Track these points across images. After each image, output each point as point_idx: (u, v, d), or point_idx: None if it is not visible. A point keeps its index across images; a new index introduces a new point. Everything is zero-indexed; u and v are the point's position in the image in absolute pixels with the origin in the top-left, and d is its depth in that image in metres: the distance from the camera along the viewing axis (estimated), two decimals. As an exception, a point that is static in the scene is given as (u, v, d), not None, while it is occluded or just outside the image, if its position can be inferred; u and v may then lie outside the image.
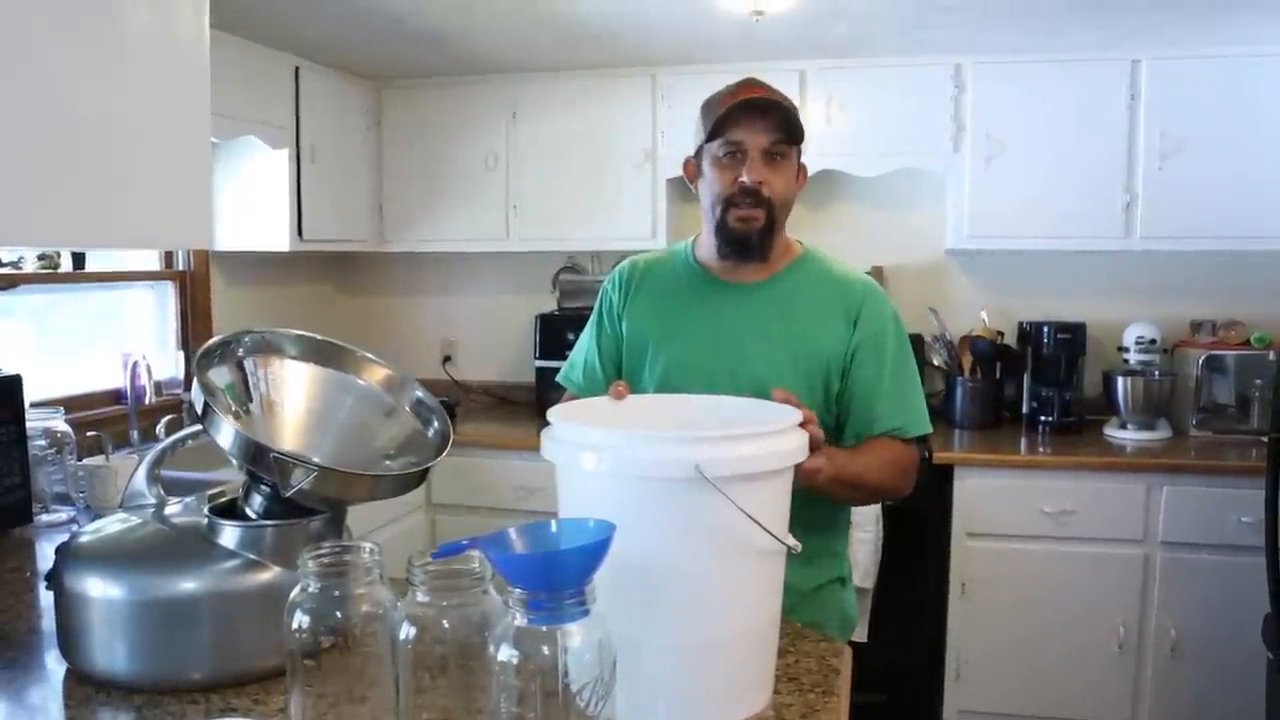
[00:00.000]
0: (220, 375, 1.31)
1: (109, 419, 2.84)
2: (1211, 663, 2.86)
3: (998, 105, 3.20)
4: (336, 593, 1.05)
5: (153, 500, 1.44)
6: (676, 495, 1.11)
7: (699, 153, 1.62)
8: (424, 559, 1.00)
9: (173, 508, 1.43)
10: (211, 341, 1.30)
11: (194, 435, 1.39)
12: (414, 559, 1.01)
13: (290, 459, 1.19)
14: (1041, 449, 3.12)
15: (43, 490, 2.24)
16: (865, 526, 2.91)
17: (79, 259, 2.81)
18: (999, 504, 2.97)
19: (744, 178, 1.55)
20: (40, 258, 2.66)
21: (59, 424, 2.25)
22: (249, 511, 1.34)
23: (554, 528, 0.99)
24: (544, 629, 0.91)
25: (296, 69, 3.25)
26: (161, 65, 1.50)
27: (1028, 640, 2.97)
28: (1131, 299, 3.44)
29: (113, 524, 1.39)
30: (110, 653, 1.27)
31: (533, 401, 3.73)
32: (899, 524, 2.95)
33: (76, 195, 1.36)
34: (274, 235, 3.25)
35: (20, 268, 2.62)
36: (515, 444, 3.31)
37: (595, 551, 0.92)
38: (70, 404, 2.78)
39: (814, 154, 3.30)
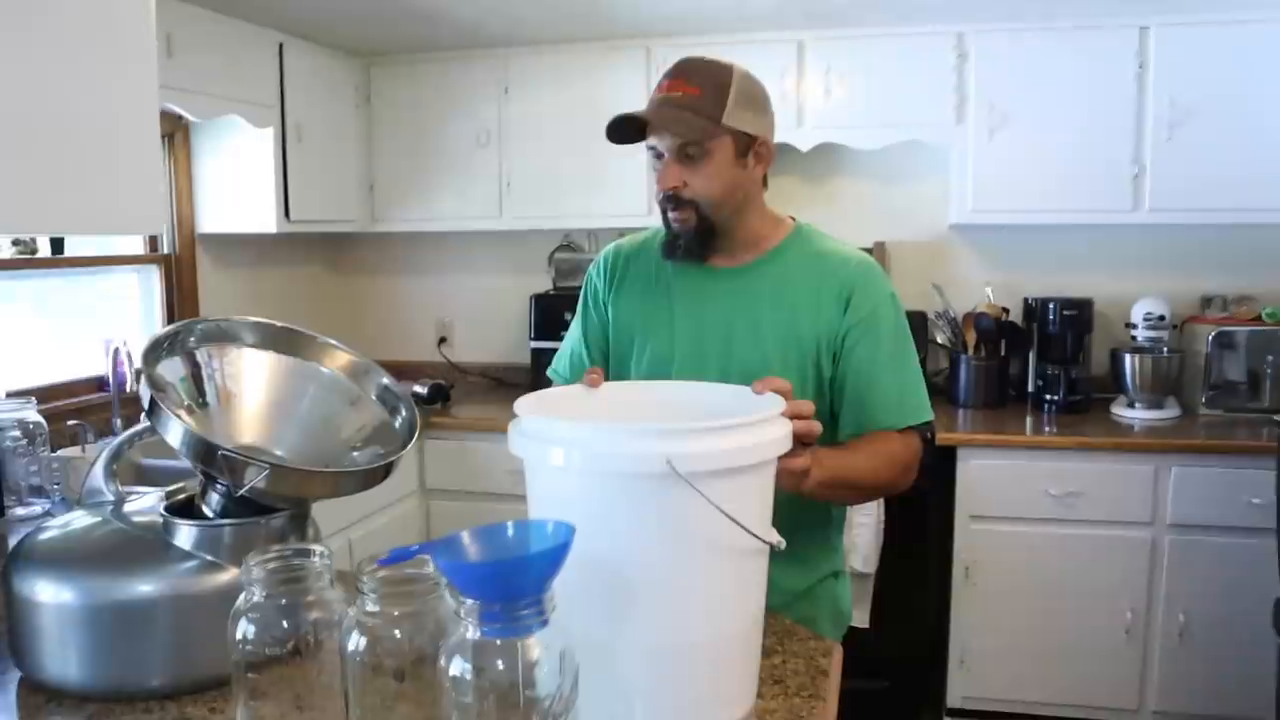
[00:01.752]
0: (172, 368, 1.24)
1: (92, 407, 2.79)
2: (1221, 647, 2.79)
3: (1001, 75, 3.10)
4: (284, 601, 0.99)
5: (111, 497, 1.38)
6: (648, 491, 1.04)
7: None
8: (372, 565, 0.93)
9: (132, 505, 1.37)
10: (160, 333, 1.23)
11: (148, 431, 1.32)
12: (363, 565, 0.95)
13: (241, 457, 1.12)
14: (1047, 429, 3.04)
15: (18, 483, 2.18)
16: (866, 510, 2.84)
17: (57, 244, 2.74)
18: (1003, 486, 2.89)
19: (657, 185, 1.50)
20: (15, 243, 2.59)
21: (31, 414, 2.19)
22: (206, 510, 1.28)
23: (510, 531, 0.92)
24: (499, 642, 0.85)
25: (280, 45, 3.16)
26: (103, 46, 1.42)
27: (1033, 625, 2.91)
28: (1140, 274, 3.35)
29: (67, 523, 1.33)
30: (62, 660, 1.21)
31: (529, 383, 3.67)
32: (900, 507, 2.88)
33: (14, 181, 1.28)
34: (260, 217, 3.18)
35: (-5, 254, 2.55)
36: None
37: (553, 558, 0.85)
38: (53, 393, 2.73)
39: (813, 128, 3.25)
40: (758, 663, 1.20)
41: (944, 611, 2.98)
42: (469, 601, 0.85)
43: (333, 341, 1.39)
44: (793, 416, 1.19)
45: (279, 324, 1.36)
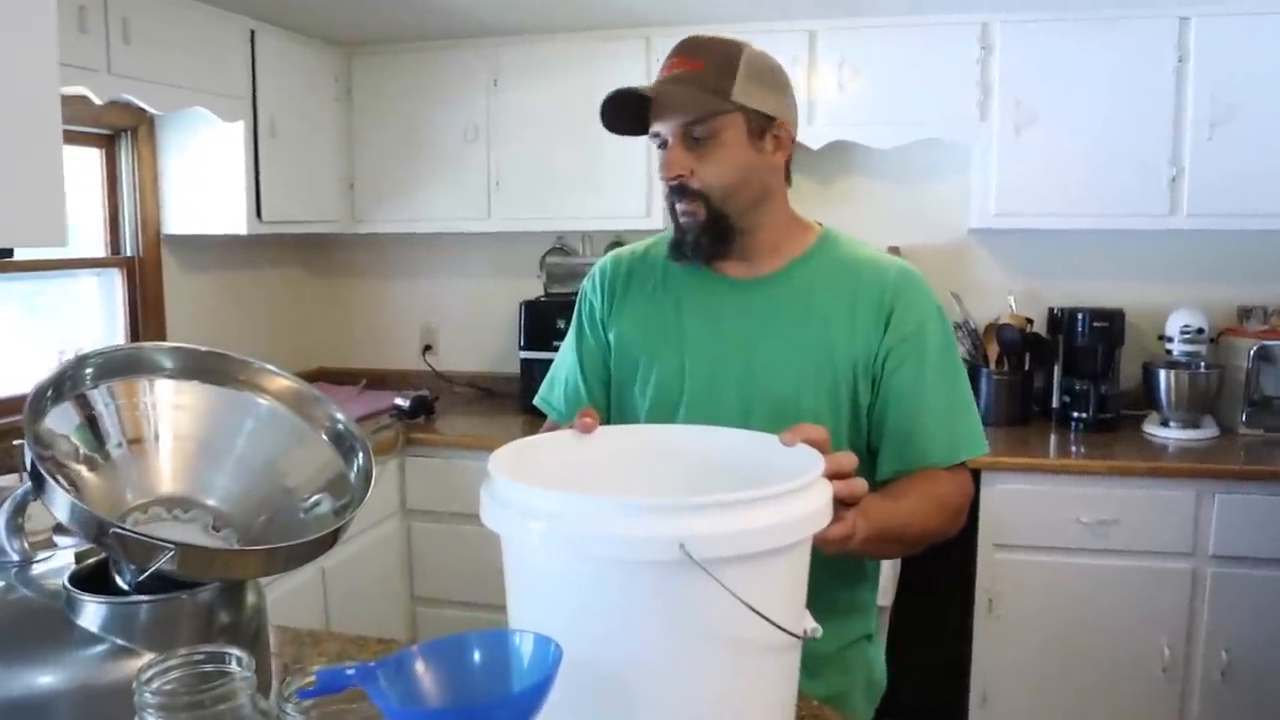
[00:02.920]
0: (64, 417, 1.01)
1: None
2: (1266, 688, 2.58)
3: (1029, 69, 2.87)
4: (186, 730, 0.77)
5: (15, 556, 1.16)
6: (656, 580, 0.83)
7: None
8: (292, 693, 0.72)
9: (41, 566, 1.15)
10: (45, 378, 0.99)
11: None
12: (287, 686, 0.73)
13: (135, 535, 0.90)
14: (1075, 449, 2.83)
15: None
16: (882, 537, 2.63)
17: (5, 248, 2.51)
18: (1030, 512, 2.68)
19: (660, 174, 1.31)
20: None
21: (-41, 439, 1.97)
22: (119, 580, 1.06)
23: (475, 652, 0.70)
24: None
25: (252, 33, 2.93)
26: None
27: (1062, 662, 2.69)
28: (1176, 283, 3.13)
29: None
30: (-60, 767, 0.99)
31: (519, 394, 3.44)
32: (919, 534, 2.67)
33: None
34: (230, 217, 2.95)
35: (-70, 257, 2.32)
36: (498, 443, 3.01)
37: (530, 699, 0.64)
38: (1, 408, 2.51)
39: (825, 124, 3.03)
40: (786, 774, 0.98)
41: (965, 646, 2.77)
42: (418, 752, 0.63)
43: (270, 367, 1.16)
44: (832, 476, 0.98)
45: (202, 348, 1.13)
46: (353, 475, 1.15)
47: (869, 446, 1.34)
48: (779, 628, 0.86)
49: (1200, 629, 2.61)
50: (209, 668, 0.80)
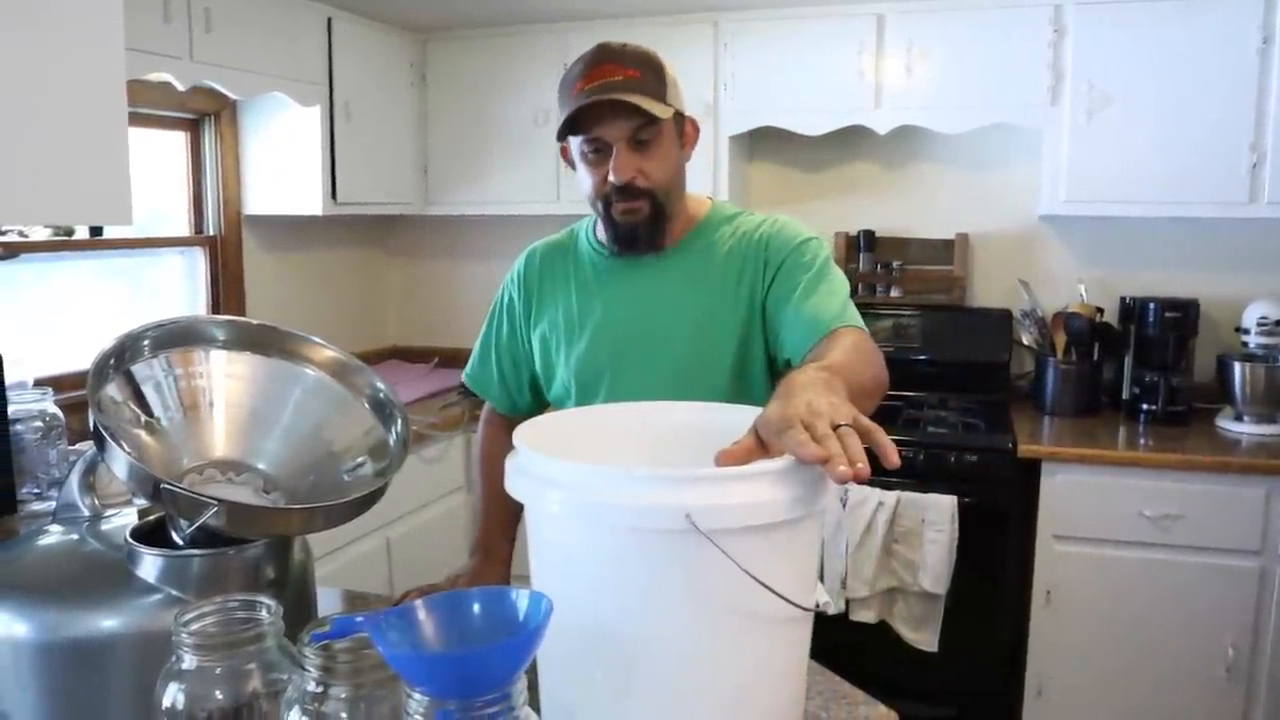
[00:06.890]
0: (128, 384, 1.09)
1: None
2: (1338, 692, 2.50)
3: (1103, 51, 2.80)
4: (218, 670, 0.83)
5: (86, 513, 1.25)
6: (663, 549, 0.86)
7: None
8: (308, 638, 0.77)
9: (109, 523, 1.24)
10: (107, 347, 1.07)
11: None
12: (304, 635, 0.78)
13: (187, 493, 0.96)
14: (1143, 442, 2.77)
15: (41, 477, 2.10)
16: (939, 525, 2.62)
17: (96, 226, 2.65)
18: (1092, 504, 2.63)
19: (611, 177, 1.40)
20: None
21: (48, 405, 2.09)
22: (175, 536, 1.13)
23: (476, 605, 0.74)
24: (455, 743, 0.68)
25: (329, 20, 3.03)
26: (61, 22, 1.28)
27: (1121, 658, 2.64)
28: (1254, 273, 3.03)
29: (32, 543, 1.21)
30: (12, 702, 1.08)
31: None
32: (977, 523, 2.64)
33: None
34: (306, 198, 3.07)
35: (26, 235, 2.46)
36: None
37: (520, 648, 0.68)
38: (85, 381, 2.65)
39: (892, 109, 3.00)
40: (795, 745, 1.01)
41: (1021, 637, 2.74)
42: (417, 695, 0.68)
43: (315, 338, 1.23)
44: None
45: (254, 321, 1.20)
46: (392, 441, 1.21)
47: (774, 361, 1.46)
48: (786, 600, 0.88)
49: (1268, 630, 2.54)
50: (241, 614, 0.87)
